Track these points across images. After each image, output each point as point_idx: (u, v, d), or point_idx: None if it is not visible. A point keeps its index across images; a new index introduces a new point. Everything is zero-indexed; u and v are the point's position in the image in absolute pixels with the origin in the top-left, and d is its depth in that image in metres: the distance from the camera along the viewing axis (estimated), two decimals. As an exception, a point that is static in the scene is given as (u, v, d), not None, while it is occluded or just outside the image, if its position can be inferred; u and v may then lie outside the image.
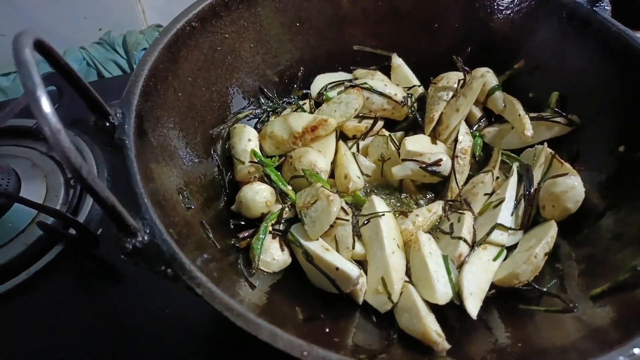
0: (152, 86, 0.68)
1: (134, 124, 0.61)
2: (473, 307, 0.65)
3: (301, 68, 0.96)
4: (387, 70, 0.98)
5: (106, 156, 1.04)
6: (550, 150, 0.79)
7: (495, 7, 0.90)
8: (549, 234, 0.70)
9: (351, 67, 0.99)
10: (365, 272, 0.72)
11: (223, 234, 0.71)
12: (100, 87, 1.27)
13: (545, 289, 0.68)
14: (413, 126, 0.92)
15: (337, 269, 0.67)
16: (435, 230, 0.79)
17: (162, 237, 0.51)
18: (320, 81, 0.95)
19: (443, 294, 0.66)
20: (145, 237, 0.51)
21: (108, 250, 0.88)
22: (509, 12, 0.89)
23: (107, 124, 0.61)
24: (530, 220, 0.76)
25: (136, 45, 1.37)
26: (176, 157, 0.72)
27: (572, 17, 0.82)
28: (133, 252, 0.50)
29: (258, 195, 0.75)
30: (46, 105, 0.37)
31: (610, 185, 0.73)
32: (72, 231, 0.88)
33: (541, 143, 0.81)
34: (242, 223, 0.77)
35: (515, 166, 0.80)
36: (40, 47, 0.46)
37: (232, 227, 0.76)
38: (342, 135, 0.89)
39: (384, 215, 0.74)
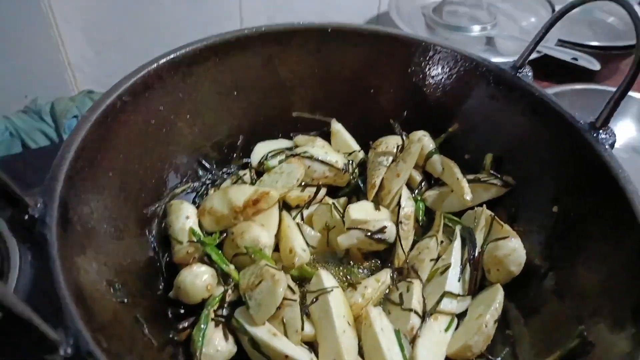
0: (79, 169, 0.63)
1: (57, 215, 0.56)
2: (429, 385, 0.63)
3: (240, 136, 0.94)
4: (327, 135, 0.98)
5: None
6: (489, 212, 0.80)
7: (427, 73, 0.93)
8: (496, 299, 0.70)
9: (291, 134, 0.98)
10: (316, 354, 0.68)
11: (160, 327, 0.65)
12: (26, 158, 1.21)
13: (498, 359, 0.67)
14: (356, 191, 0.92)
15: (287, 357, 0.63)
16: (384, 302, 0.77)
17: (87, 349, 0.46)
18: (261, 149, 0.94)
19: (398, 375, 0.63)
20: (69, 350, 0.46)
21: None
22: (440, 77, 0.92)
23: (26, 217, 0.56)
24: (477, 284, 0.76)
25: (65, 112, 1.31)
26: (106, 243, 0.67)
27: (498, 82, 0.86)
28: (54, 370, 0.44)
29: (198, 279, 0.70)
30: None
31: (550, 246, 0.75)
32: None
33: (480, 205, 0.82)
34: (182, 311, 0.71)
35: (457, 229, 0.81)
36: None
37: (170, 316, 0.70)
38: (285, 205, 0.87)
39: (332, 290, 0.71)
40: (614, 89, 0.72)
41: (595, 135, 0.72)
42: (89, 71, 1.58)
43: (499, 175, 0.84)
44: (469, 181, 0.84)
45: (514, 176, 0.83)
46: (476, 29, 1.46)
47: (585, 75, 1.45)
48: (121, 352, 0.53)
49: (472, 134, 0.91)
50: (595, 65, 1.27)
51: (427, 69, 0.93)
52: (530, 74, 0.84)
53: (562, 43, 1.43)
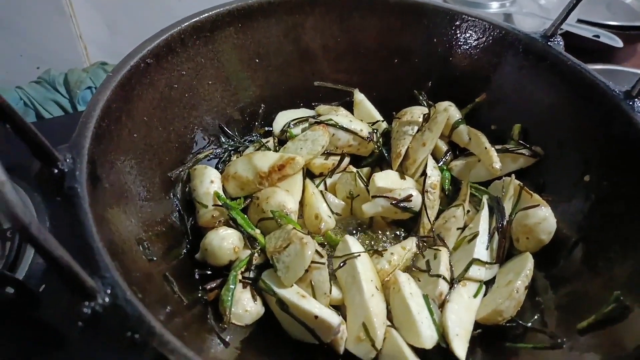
0: (104, 128, 0.62)
1: (86, 170, 0.55)
2: (460, 349, 0.62)
3: (262, 105, 0.93)
4: (349, 106, 0.97)
5: (47, 204, 0.95)
6: (518, 181, 0.79)
7: (454, 42, 0.91)
8: (526, 266, 0.69)
9: (313, 104, 0.97)
10: (344, 318, 0.67)
11: (188, 287, 0.65)
12: (40, 128, 1.19)
13: (529, 324, 0.66)
14: (379, 161, 0.90)
15: (316, 317, 0.62)
16: (411, 269, 0.76)
17: (125, 298, 0.45)
18: (282, 118, 0.92)
19: (429, 338, 0.62)
20: (107, 299, 0.45)
21: (51, 310, 0.79)
22: (467, 47, 0.90)
23: (56, 171, 0.54)
24: (504, 253, 0.75)
25: (79, 83, 1.29)
26: (133, 203, 0.66)
27: (528, 51, 0.84)
28: (93, 317, 0.43)
29: (225, 242, 0.69)
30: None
31: (580, 216, 0.73)
32: (10, 290, 0.78)
33: (508, 175, 0.81)
34: (208, 272, 0.70)
35: (485, 199, 0.79)
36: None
37: (197, 277, 0.70)
38: (308, 173, 0.86)
39: (359, 255, 0.70)
40: (633, 70, 0.70)
41: (631, 103, 0.71)
42: (100, 44, 1.56)
43: (527, 145, 0.82)
44: (497, 151, 0.82)
45: (543, 146, 0.82)
46: (495, 6, 1.44)
47: (603, 56, 1.43)
48: (155, 306, 0.52)
49: (499, 105, 0.89)
50: (617, 42, 1.26)
51: (453, 39, 0.92)
52: (561, 43, 0.83)
53: (581, 23, 1.41)
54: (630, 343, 0.54)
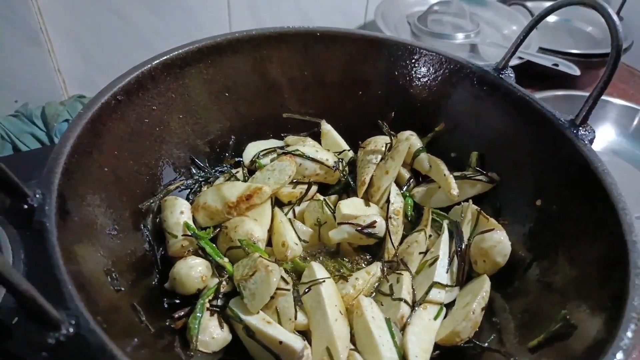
0: (74, 163, 0.65)
1: (55, 205, 0.57)
2: (419, 370, 0.65)
3: (232, 137, 0.96)
4: (317, 136, 1.00)
5: (22, 238, 0.96)
6: (475, 207, 0.83)
7: (413, 75, 0.96)
8: (483, 288, 0.73)
9: (282, 134, 1.01)
10: (309, 343, 0.70)
11: (156, 316, 0.66)
12: (17, 161, 1.22)
13: (486, 344, 0.69)
14: (346, 189, 0.94)
15: (281, 342, 0.64)
16: (375, 293, 0.79)
17: (89, 328, 0.47)
18: (252, 149, 0.96)
19: (389, 360, 0.65)
20: (70, 330, 0.47)
21: (23, 342, 0.79)
22: (425, 79, 0.95)
23: (25, 207, 0.57)
24: (464, 276, 0.78)
25: (56, 116, 1.31)
26: (103, 235, 0.68)
27: (482, 82, 0.89)
28: (56, 347, 0.45)
29: (193, 270, 0.72)
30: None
31: (533, 237, 0.77)
32: (-19, 324, 0.78)
33: (467, 200, 0.85)
34: (177, 301, 0.72)
35: (445, 224, 0.83)
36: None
37: (165, 306, 0.72)
38: (277, 202, 0.89)
39: (324, 281, 0.73)
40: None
41: (575, 131, 0.75)
42: (78, 77, 1.59)
43: (484, 172, 0.87)
44: (456, 178, 0.86)
45: (499, 172, 0.87)
46: (460, 37, 1.51)
47: (566, 82, 1.50)
48: (120, 334, 0.54)
49: (457, 133, 0.94)
50: (575, 71, 1.32)
51: (413, 71, 0.97)
52: (512, 75, 0.88)
53: (543, 51, 1.48)
54: (576, 357, 0.57)
